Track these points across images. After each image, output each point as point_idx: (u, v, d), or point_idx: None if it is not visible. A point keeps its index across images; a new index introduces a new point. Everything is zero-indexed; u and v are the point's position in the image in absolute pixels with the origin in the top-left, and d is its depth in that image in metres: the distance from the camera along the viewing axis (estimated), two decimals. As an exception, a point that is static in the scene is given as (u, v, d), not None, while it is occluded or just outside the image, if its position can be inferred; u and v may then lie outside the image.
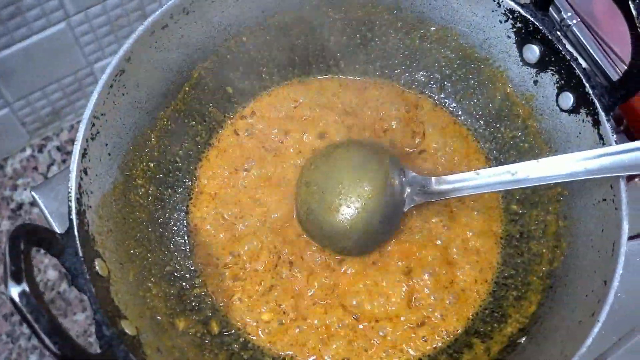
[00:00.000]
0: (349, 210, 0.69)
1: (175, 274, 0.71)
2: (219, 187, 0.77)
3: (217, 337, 0.69)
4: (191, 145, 0.77)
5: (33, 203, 1.09)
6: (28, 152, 1.13)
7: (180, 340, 0.66)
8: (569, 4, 0.86)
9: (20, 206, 1.12)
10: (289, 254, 0.73)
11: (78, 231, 0.58)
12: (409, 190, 0.71)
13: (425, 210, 0.75)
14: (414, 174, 0.72)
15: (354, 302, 0.71)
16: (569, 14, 0.84)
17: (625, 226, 0.61)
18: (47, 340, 0.49)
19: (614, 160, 0.62)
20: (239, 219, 0.75)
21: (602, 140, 0.64)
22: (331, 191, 0.70)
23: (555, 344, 0.61)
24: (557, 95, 0.69)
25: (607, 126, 0.64)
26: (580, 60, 0.68)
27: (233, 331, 0.70)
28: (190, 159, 0.77)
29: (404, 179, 0.71)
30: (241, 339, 0.70)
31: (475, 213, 0.75)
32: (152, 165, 0.72)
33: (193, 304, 0.70)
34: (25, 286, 0.48)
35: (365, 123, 0.79)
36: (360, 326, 0.70)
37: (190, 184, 0.76)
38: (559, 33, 0.68)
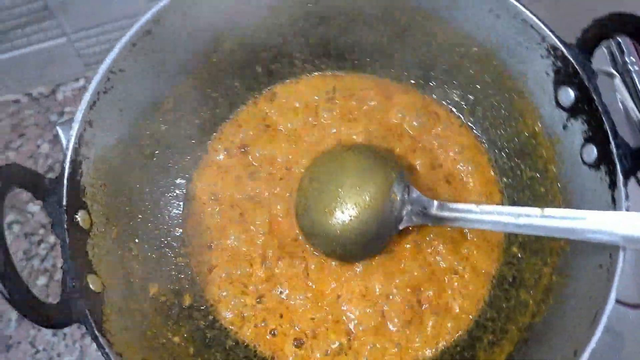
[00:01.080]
0: (342, 216, 0.68)
1: (162, 239, 0.72)
2: (228, 163, 0.77)
3: (186, 310, 0.70)
4: (208, 116, 0.77)
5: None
6: (81, 82, 1.16)
7: (147, 305, 0.67)
8: (636, 49, 0.81)
9: (63, 133, 1.16)
10: (282, 249, 0.73)
11: (68, 180, 0.60)
12: (409, 208, 0.70)
13: (424, 229, 0.73)
14: (418, 193, 0.70)
15: (327, 310, 0.71)
16: (632, 59, 0.80)
17: (612, 299, 0.58)
18: (-4, 281, 0.51)
19: (618, 228, 0.59)
20: (240, 201, 0.75)
21: (614, 204, 0.61)
22: (330, 193, 0.69)
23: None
24: (582, 145, 0.66)
25: (622, 191, 0.61)
26: (635, 111, 0.64)
27: (204, 307, 0.71)
28: (205, 128, 0.77)
29: (406, 196, 0.70)
30: (210, 317, 0.71)
31: (476, 245, 0.73)
32: (163, 128, 0.73)
33: (172, 272, 0.71)
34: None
35: (386, 128, 0.78)
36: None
37: (199, 153, 0.77)
38: (597, 82, 0.64)
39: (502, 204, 0.76)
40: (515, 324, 0.68)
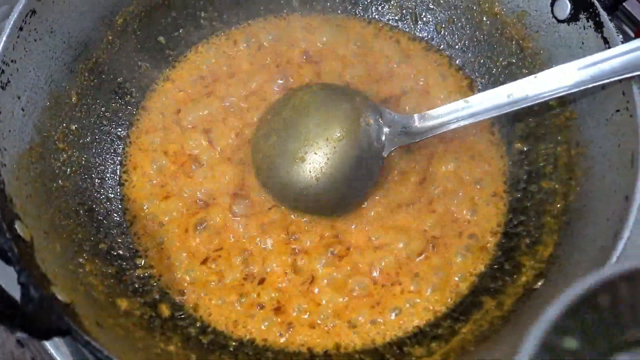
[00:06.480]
0: (317, 157, 0.78)
1: (112, 252, 0.79)
2: (155, 151, 0.86)
3: (169, 321, 0.76)
4: (120, 106, 0.86)
5: None
6: None
7: (124, 320, 0.72)
8: None
9: None
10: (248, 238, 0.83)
11: (-7, 187, 0.66)
12: (387, 130, 0.80)
13: (413, 157, 0.85)
14: (392, 112, 0.81)
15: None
16: None
17: (642, 130, 0.70)
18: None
19: (622, 60, 0.71)
20: (181, 191, 0.84)
21: (607, 44, 0.74)
22: (295, 139, 0.79)
23: (575, 278, 0.69)
24: (552, 4, 0.80)
25: (610, 27, 0.74)
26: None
27: (187, 315, 0.77)
28: (120, 121, 0.86)
29: (380, 119, 0.80)
30: (198, 324, 0.77)
31: (473, 160, 0.85)
32: (73, 127, 0.81)
33: (136, 285, 0.78)
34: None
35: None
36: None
37: (121, 149, 0.86)
38: None
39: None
40: (549, 214, 0.79)
